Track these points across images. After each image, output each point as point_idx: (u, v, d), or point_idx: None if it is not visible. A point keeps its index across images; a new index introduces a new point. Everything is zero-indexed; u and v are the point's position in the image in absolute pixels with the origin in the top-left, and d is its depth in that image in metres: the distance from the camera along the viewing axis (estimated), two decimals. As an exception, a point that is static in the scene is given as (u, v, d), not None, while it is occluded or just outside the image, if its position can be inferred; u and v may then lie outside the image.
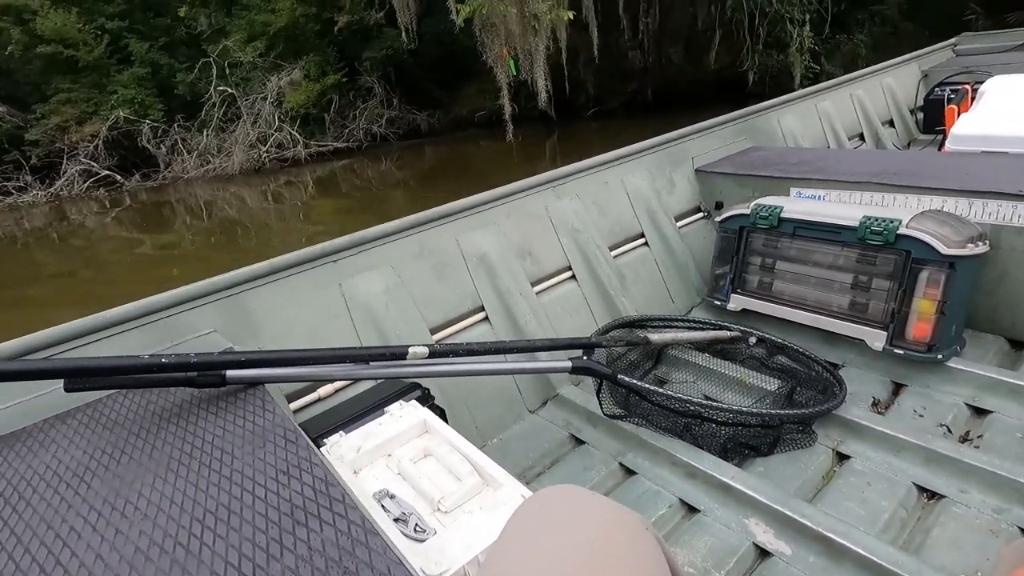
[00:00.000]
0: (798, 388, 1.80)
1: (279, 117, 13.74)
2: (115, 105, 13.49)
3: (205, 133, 13.78)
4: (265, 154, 13.61)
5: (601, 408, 1.79)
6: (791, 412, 1.60)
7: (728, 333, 2.11)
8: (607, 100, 14.13)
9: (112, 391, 1.24)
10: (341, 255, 1.78)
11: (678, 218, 2.66)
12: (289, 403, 1.57)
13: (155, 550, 0.79)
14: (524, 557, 0.52)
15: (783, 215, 2.11)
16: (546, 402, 2.02)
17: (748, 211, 2.20)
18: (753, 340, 2.10)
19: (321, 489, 0.87)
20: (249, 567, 0.75)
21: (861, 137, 3.95)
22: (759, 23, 11.47)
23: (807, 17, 11.52)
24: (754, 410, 1.57)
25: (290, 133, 13.77)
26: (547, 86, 11.03)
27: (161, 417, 1.13)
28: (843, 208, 2.06)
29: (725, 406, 1.57)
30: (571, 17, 10.38)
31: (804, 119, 3.49)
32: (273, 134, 13.71)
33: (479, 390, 1.88)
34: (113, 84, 13.88)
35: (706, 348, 2.14)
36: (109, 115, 13.34)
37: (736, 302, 2.31)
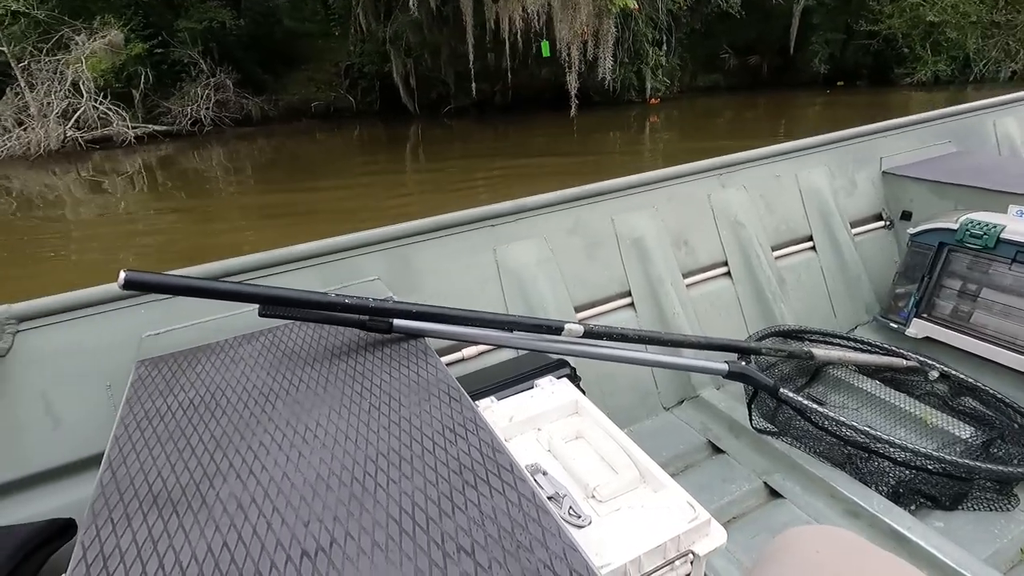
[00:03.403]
0: (998, 440, 1.53)
1: (86, 89, 11.29)
2: None
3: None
4: (66, 133, 11.02)
5: (750, 420, 1.65)
6: (994, 468, 1.35)
7: (904, 361, 1.85)
8: (461, 99, 13.98)
9: (288, 321, 1.32)
10: (498, 220, 1.78)
11: (854, 224, 2.37)
12: None
13: (334, 480, 0.82)
14: None
15: (1003, 236, 1.78)
16: (682, 401, 1.91)
17: (955, 226, 1.89)
18: (935, 374, 1.82)
19: (488, 454, 0.85)
20: (423, 518, 0.75)
21: None
22: (628, 40, 13.36)
23: (662, 38, 14.35)
24: (946, 456, 1.35)
25: (105, 109, 11.17)
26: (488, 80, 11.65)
27: (333, 353, 1.19)
28: None
29: (910, 446, 1.36)
30: (635, 6, 11.04)
31: None
32: (84, 107, 11.07)
33: (617, 376, 1.81)
34: None
35: (874, 374, 1.90)
36: None
37: (918, 327, 2.01)
